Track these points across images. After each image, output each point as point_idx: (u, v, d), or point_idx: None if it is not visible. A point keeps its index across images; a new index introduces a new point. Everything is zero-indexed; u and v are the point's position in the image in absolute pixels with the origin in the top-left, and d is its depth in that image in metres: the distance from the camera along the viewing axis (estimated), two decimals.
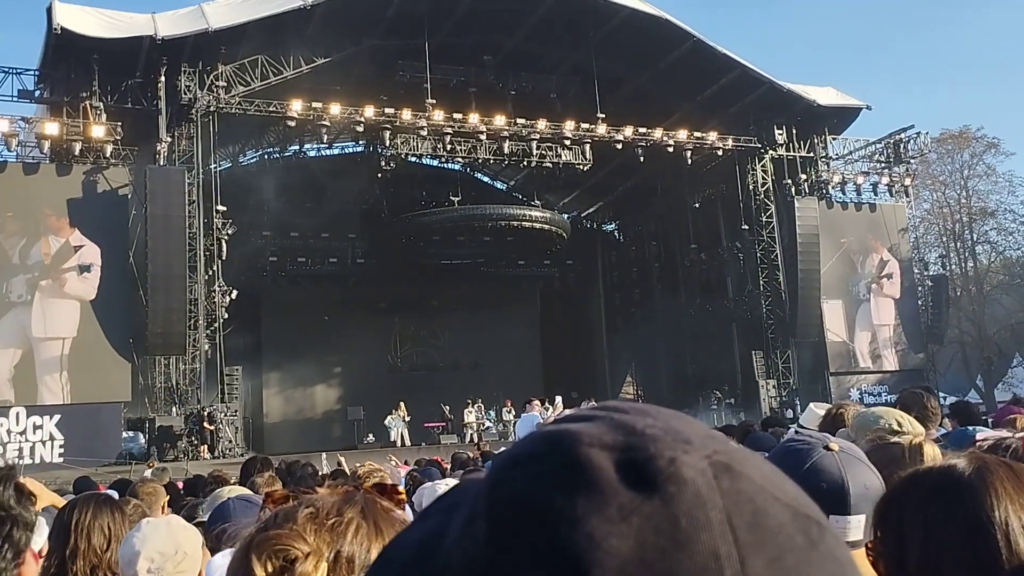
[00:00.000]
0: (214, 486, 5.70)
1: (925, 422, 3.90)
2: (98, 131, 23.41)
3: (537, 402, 10.15)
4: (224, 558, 2.81)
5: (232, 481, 6.08)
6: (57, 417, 22.27)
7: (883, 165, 33.44)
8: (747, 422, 10.50)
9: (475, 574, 0.45)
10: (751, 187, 31.85)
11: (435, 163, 32.47)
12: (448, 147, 27.65)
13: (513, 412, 26.74)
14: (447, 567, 0.46)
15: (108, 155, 23.75)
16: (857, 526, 1.52)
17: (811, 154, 32.20)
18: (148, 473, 12.92)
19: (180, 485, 8.72)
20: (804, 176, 31.81)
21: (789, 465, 1.58)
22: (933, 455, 2.27)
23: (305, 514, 1.19)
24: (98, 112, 23.63)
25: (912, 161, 34.12)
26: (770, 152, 31.65)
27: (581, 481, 0.44)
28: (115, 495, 5.92)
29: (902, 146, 33.15)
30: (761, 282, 31.50)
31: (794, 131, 31.68)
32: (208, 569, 2.92)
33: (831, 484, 1.54)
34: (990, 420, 6.92)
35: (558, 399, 25.08)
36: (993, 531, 1.13)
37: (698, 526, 0.43)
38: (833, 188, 32.53)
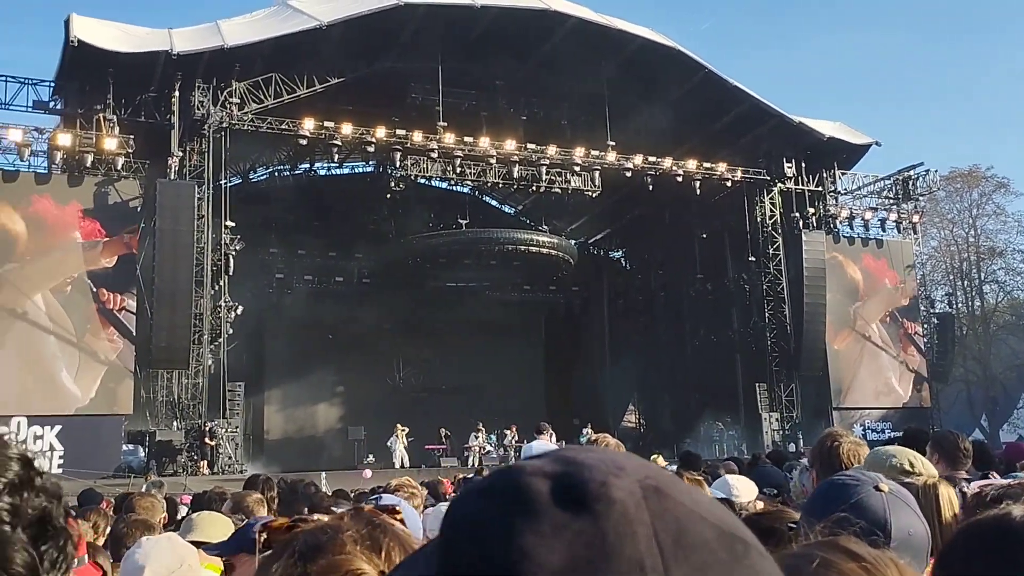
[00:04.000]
0: (217, 503, 5.65)
1: (956, 464, 3.85)
2: (111, 143, 23.51)
3: (549, 429, 9.96)
4: None
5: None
6: (58, 428, 22.19)
7: (891, 201, 33.50)
8: (757, 454, 10.41)
9: None
10: (759, 219, 31.88)
11: (444, 185, 32.55)
12: (458, 170, 27.73)
13: (516, 437, 26.61)
14: None
15: (120, 168, 23.84)
16: None
17: (820, 188, 32.25)
18: (144, 487, 12.87)
19: (184, 499, 8.65)
20: (812, 210, 31.85)
21: (834, 499, 1.56)
22: (948, 497, 2.23)
23: (349, 537, 1.18)
24: (111, 125, 23.74)
25: (920, 198, 34.19)
26: (779, 185, 31.71)
27: (519, 503, 0.50)
28: None
29: (911, 183, 33.23)
30: (766, 314, 31.45)
31: (803, 165, 31.77)
32: None
33: (873, 522, 1.50)
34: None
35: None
36: None
37: (624, 539, 0.48)
38: (841, 223, 32.56)
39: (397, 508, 1.29)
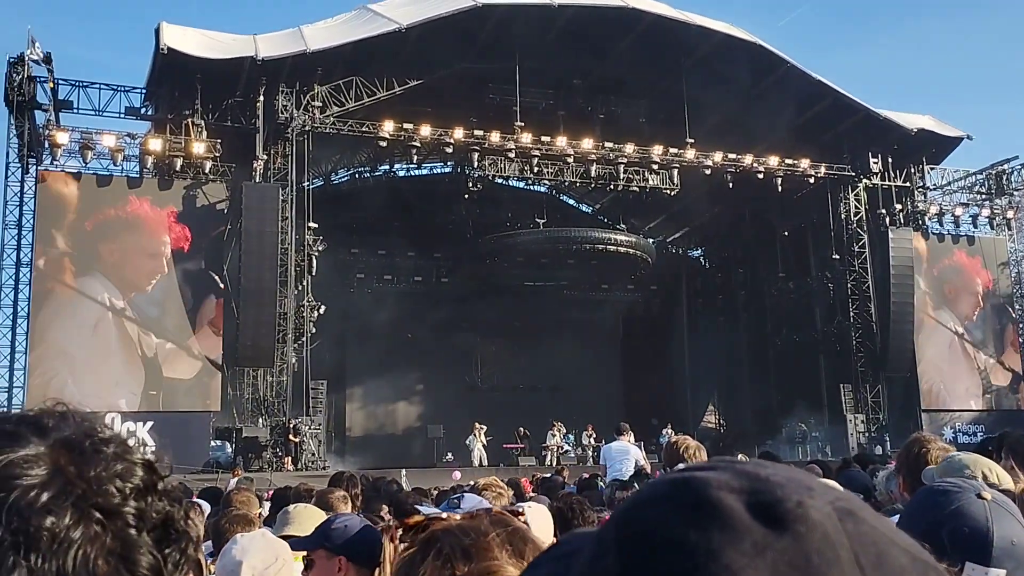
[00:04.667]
0: (305, 499, 5.77)
1: None
2: (199, 148, 24.22)
3: (629, 430, 9.93)
4: None
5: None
6: (149, 424, 22.94)
7: (984, 196, 32.39)
8: (847, 458, 10.17)
9: None
10: (843, 216, 31.14)
11: (522, 185, 32.64)
12: (535, 169, 27.79)
13: (594, 437, 26.51)
14: None
15: (207, 171, 24.56)
16: None
17: (907, 184, 31.34)
18: (233, 482, 13.21)
19: (267, 494, 8.86)
20: (899, 206, 30.97)
21: (934, 505, 1.52)
22: None
23: (494, 541, 1.19)
24: (199, 129, 24.44)
25: (1015, 193, 32.95)
26: (864, 181, 30.91)
27: (714, 519, 0.48)
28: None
29: (1005, 177, 32.08)
30: (851, 313, 30.69)
31: (890, 160, 30.90)
32: None
33: (974, 530, 1.46)
34: None
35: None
36: None
37: (829, 562, 0.47)
38: (930, 219, 31.61)
39: (521, 511, 1.31)
